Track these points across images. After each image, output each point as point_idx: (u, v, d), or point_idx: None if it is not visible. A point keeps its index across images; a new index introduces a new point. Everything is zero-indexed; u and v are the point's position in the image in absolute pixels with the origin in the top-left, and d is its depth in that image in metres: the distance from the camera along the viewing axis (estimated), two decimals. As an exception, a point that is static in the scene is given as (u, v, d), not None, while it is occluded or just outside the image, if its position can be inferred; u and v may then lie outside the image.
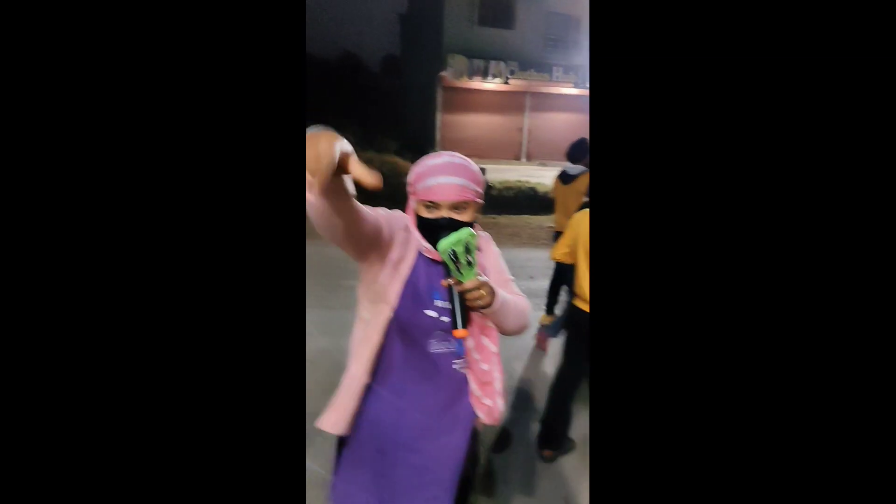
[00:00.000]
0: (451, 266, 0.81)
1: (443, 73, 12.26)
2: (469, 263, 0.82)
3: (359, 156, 0.61)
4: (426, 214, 0.89)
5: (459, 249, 0.81)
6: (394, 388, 0.93)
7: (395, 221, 0.91)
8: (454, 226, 0.86)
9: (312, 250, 5.10)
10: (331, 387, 1.01)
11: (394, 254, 0.89)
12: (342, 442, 0.99)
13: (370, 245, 0.84)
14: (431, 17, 13.17)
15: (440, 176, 0.86)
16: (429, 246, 0.89)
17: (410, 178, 0.91)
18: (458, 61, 12.07)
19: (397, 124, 13.46)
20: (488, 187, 8.71)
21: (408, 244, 0.91)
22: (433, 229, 0.88)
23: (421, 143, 12.81)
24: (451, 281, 0.83)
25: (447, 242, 0.81)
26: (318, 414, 0.97)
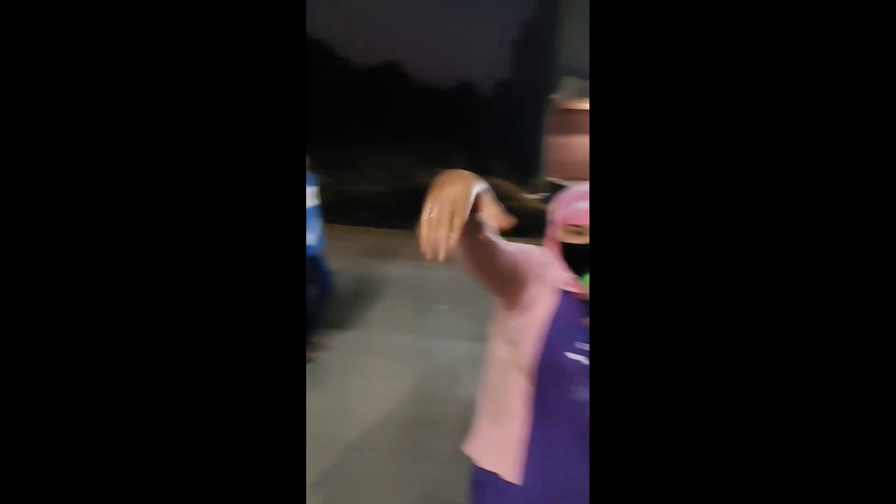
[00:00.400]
0: None
1: (554, 96, 12.02)
2: None
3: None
4: (571, 240, 0.86)
5: None
6: (536, 434, 0.88)
7: (532, 257, 0.87)
8: None
9: (405, 272, 5.16)
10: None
11: (531, 292, 0.86)
12: (478, 482, 0.95)
13: (508, 282, 0.83)
14: (545, 41, 13.07)
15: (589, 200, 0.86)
16: (572, 277, 0.85)
17: (555, 204, 0.91)
18: (571, 83, 11.74)
19: (505, 147, 13.47)
20: None
21: (547, 282, 0.87)
22: (578, 256, 0.85)
23: (528, 165, 12.66)
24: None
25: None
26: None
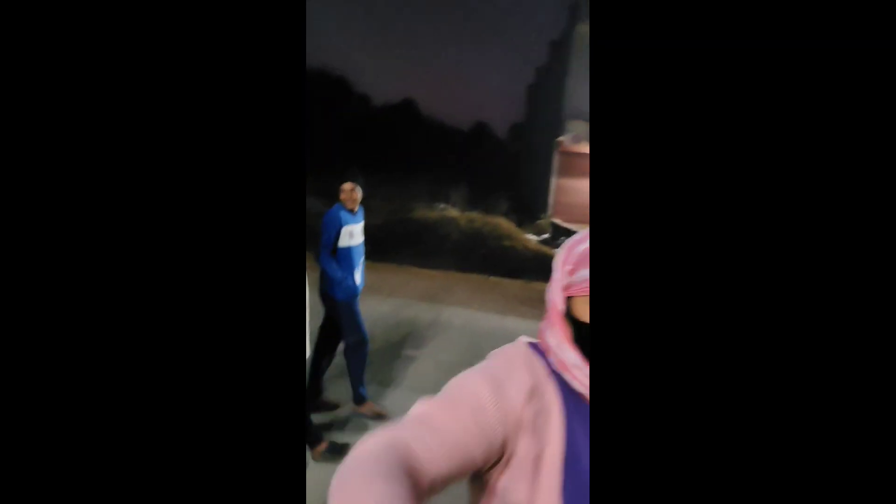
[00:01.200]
0: None
1: (560, 139, 12.01)
2: None
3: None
4: (581, 314, 0.57)
5: None
6: None
7: (511, 390, 0.55)
8: None
9: (386, 309, 4.82)
10: None
11: (528, 430, 0.55)
12: None
13: (493, 455, 0.54)
14: (556, 85, 13.23)
15: None
16: (584, 374, 0.55)
17: (564, 262, 0.60)
18: (578, 127, 11.75)
19: (511, 187, 13.44)
20: None
21: (545, 396, 0.56)
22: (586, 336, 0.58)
23: (532, 206, 12.54)
24: None
25: None
26: None
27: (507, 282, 6.32)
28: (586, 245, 0.58)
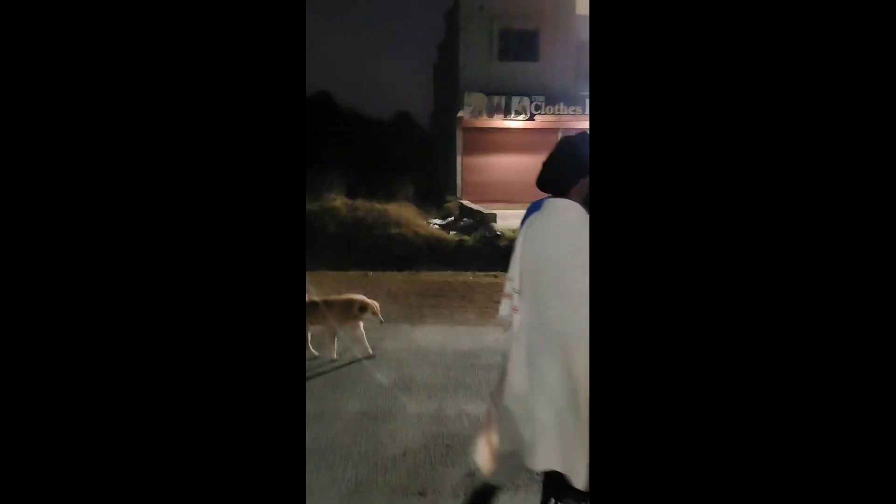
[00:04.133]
0: None
1: (460, 114, 11.30)
2: None
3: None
4: None
5: None
6: None
7: None
8: None
9: None
10: None
11: None
12: None
13: None
14: (449, 59, 12.48)
15: None
16: None
17: None
18: (475, 99, 11.10)
19: (415, 170, 12.56)
20: (496, 236, 7.28)
21: None
22: None
23: (440, 188, 11.83)
24: None
25: None
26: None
27: (389, 275, 5.40)
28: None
